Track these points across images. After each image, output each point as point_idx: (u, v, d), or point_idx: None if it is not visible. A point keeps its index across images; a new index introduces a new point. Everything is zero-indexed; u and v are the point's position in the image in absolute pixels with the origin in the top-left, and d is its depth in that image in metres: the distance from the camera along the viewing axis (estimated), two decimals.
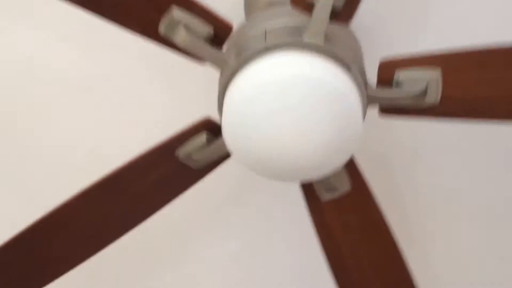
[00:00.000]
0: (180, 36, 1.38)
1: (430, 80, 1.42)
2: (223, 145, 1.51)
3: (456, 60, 1.41)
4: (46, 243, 1.65)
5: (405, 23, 1.76)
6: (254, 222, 2.15)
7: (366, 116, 1.49)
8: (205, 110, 1.82)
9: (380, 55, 1.47)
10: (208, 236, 2.17)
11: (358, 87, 1.40)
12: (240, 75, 1.38)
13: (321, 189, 1.59)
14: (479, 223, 2.13)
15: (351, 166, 1.56)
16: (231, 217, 2.14)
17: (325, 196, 1.60)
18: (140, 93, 1.89)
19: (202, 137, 1.51)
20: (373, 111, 1.55)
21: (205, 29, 1.40)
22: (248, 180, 2.07)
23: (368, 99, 1.45)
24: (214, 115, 1.56)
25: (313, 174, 1.46)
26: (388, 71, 1.43)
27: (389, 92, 1.44)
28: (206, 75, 1.81)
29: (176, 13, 1.37)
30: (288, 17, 1.42)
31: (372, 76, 1.48)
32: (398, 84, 1.44)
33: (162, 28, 1.39)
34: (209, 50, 1.41)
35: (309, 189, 1.60)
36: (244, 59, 1.38)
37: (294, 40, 1.37)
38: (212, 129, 1.52)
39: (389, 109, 1.48)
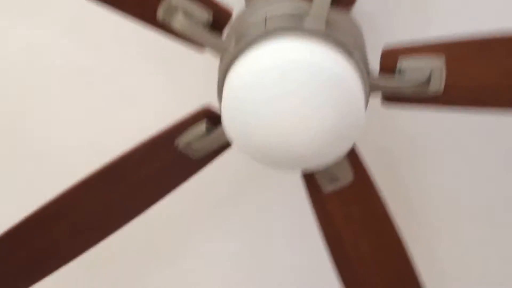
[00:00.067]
0: (179, 22, 1.37)
1: (433, 68, 1.41)
2: (223, 133, 1.50)
3: (460, 48, 1.40)
4: (45, 234, 1.64)
5: (408, 10, 1.75)
6: (254, 218, 2.14)
7: (369, 106, 1.49)
8: (205, 100, 1.81)
9: (383, 43, 1.46)
10: (207, 232, 2.17)
11: (359, 74, 1.39)
12: (240, 61, 1.37)
13: (323, 180, 1.58)
14: (486, 217, 2.11)
15: (353, 157, 1.56)
16: (231, 213, 2.13)
17: (327, 187, 1.59)
18: (139, 84, 1.89)
19: (202, 126, 1.51)
20: (376, 102, 1.54)
21: (204, 15, 1.39)
22: (248, 176, 2.06)
23: (370, 87, 1.44)
24: (213, 106, 1.55)
25: (314, 163, 1.45)
26: (390, 59, 1.42)
27: (391, 80, 1.43)
28: (206, 64, 1.80)
29: None
30: (289, 3, 1.40)
31: (374, 64, 1.47)
32: (401, 72, 1.42)
33: (160, 14, 1.38)
34: (208, 36, 1.40)
35: (310, 180, 1.59)
36: (244, 45, 1.37)
37: (294, 26, 1.36)
38: (211, 117, 1.51)
39: (392, 98, 1.47)
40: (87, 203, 1.60)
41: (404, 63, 1.41)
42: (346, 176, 1.57)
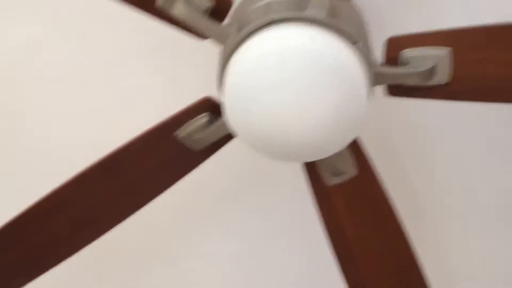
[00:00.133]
0: (178, 9, 1.36)
1: (439, 59, 1.39)
2: (224, 124, 1.49)
3: (467, 37, 1.38)
4: (42, 229, 1.63)
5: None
6: (255, 218, 2.14)
7: (374, 98, 1.47)
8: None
9: (387, 33, 1.45)
10: (207, 232, 2.17)
11: (362, 62, 1.37)
12: (241, 49, 1.36)
13: (326, 173, 1.57)
14: (494, 212, 2.11)
15: (357, 150, 1.55)
16: (232, 213, 2.13)
17: (331, 180, 1.58)
18: (139, 84, 1.90)
19: (203, 117, 1.50)
20: (382, 95, 1.52)
21: (205, 3, 1.37)
22: (249, 176, 2.06)
23: (374, 78, 1.42)
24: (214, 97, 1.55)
25: (316, 152, 1.43)
26: (395, 49, 1.41)
27: (396, 70, 1.42)
28: (206, 64, 1.79)
29: None
30: None
31: (379, 55, 1.46)
32: (406, 63, 1.41)
33: (159, 1, 1.36)
34: (209, 24, 1.39)
35: (313, 173, 1.58)
36: (245, 33, 1.36)
37: (296, 14, 1.35)
38: (212, 108, 1.50)
39: (397, 89, 1.46)
40: (85, 196, 1.59)
41: (409, 53, 1.40)
42: (350, 170, 1.57)
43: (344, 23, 1.37)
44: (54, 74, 1.88)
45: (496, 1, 1.73)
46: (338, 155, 1.53)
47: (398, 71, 1.41)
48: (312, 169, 1.57)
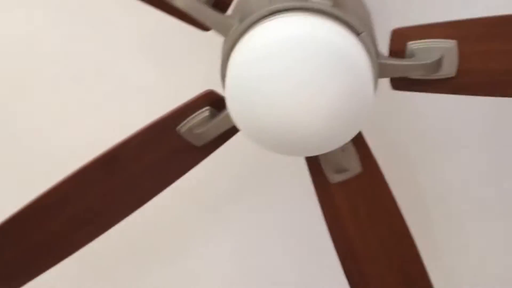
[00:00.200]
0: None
1: (445, 51, 1.38)
2: (227, 118, 1.46)
3: (474, 29, 1.37)
4: (41, 226, 1.61)
5: None
6: (255, 218, 2.15)
7: (378, 93, 1.45)
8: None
9: (393, 25, 1.43)
10: (208, 232, 2.17)
11: (367, 53, 1.36)
12: (244, 39, 1.35)
13: (330, 170, 1.56)
14: (498, 210, 2.11)
15: (362, 148, 1.53)
16: (231, 212, 2.13)
17: (334, 177, 1.57)
18: (139, 83, 1.89)
19: (205, 111, 1.48)
20: (387, 94, 1.51)
21: None
22: (249, 176, 2.07)
23: (379, 70, 1.40)
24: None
25: (320, 145, 1.42)
26: (400, 41, 1.39)
27: (401, 62, 1.40)
28: (207, 64, 1.76)
29: None
30: None
31: (384, 49, 1.44)
32: (411, 55, 1.40)
33: None
34: (212, 14, 1.37)
35: (317, 170, 1.56)
36: (248, 23, 1.35)
37: (300, 4, 1.34)
38: (214, 102, 1.48)
39: (402, 82, 1.44)
40: (84, 193, 1.57)
41: (415, 45, 1.39)
42: (354, 167, 1.55)
43: (349, 14, 1.35)
44: (53, 72, 1.88)
45: None
46: (342, 151, 1.52)
47: (403, 64, 1.40)
48: (316, 166, 1.56)
